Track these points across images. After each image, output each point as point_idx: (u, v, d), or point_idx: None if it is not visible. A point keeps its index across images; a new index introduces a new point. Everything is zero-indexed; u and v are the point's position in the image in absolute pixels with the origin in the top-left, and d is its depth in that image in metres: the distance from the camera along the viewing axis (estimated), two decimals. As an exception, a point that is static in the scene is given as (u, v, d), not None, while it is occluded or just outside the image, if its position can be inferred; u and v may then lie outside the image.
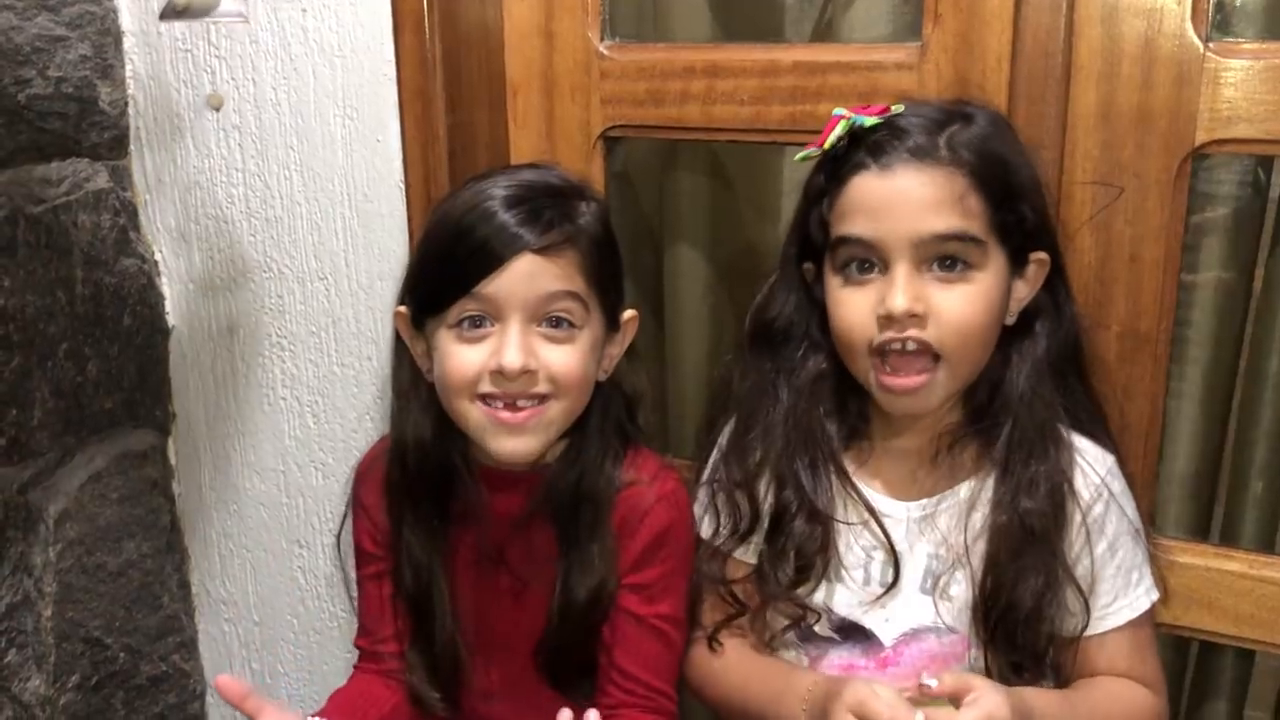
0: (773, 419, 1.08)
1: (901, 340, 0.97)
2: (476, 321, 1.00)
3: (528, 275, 0.98)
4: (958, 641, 1.04)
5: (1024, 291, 1.02)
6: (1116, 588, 1.04)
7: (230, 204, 1.42)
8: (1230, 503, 1.25)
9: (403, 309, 1.07)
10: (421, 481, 1.09)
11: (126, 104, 1.43)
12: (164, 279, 1.49)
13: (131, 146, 1.45)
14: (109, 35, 1.39)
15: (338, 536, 1.23)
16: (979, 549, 1.02)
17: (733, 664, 1.11)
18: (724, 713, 1.12)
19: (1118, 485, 1.05)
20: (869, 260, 0.98)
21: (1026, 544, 1.00)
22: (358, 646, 1.19)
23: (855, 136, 0.99)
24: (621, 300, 1.09)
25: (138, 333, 1.46)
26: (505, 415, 1.01)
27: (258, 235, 1.42)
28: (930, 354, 0.98)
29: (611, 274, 1.06)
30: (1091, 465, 1.03)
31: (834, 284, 1.02)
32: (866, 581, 1.06)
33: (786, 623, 1.08)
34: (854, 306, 0.99)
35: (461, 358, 1.01)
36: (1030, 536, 1.00)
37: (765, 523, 1.09)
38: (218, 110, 1.37)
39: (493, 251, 0.98)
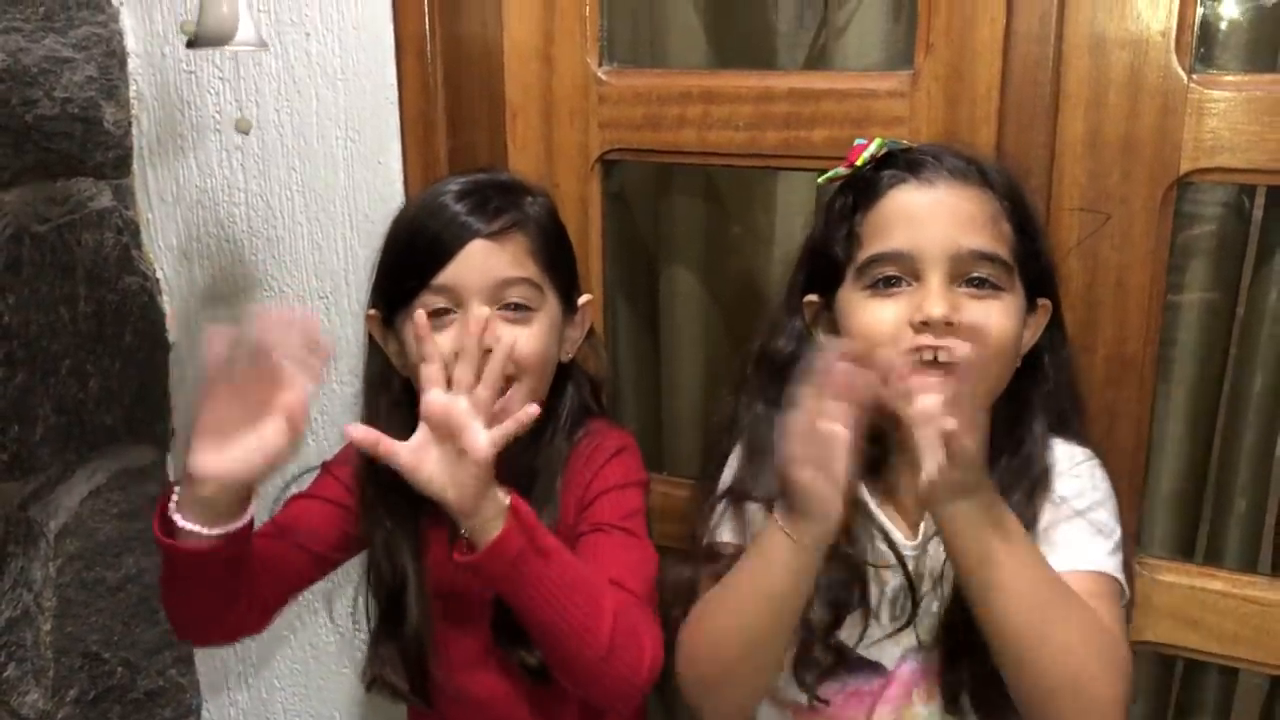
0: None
1: (935, 350, 0.94)
2: (440, 312, 1.04)
3: (481, 260, 1.04)
4: (934, 656, 1.04)
5: (1028, 336, 1.03)
6: (1071, 537, 0.98)
7: (232, 223, 1.44)
8: (1214, 522, 1.27)
9: (373, 312, 1.12)
10: (392, 474, 1.04)
11: (130, 124, 1.45)
12: (165, 296, 1.51)
13: (135, 166, 1.47)
14: (114, 57, 1.41)
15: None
16: (950, 571, 1.00)
17: (705, 596, 1.04)
18: (720, 657, 1.00)
19: (1084, 471, 1.03)
20: (898, 276, 0.98)
21: None
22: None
23: (884, 159, 1.02)
24: (576, 285, 1.14)
25: (139, 349, 1.48)
26: None
27: (259, 254, 1.43)
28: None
29: (563, 259, 1.11)
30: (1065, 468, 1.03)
31: (857, 298, 1.00)
32: (893, 616, 1.04)
33: (824, 668, 1.04)
34: (880, 314, 0.97)
35: None
36: None
37: None
38: (245, 134, 1.39)
39: (446, 240, 1.04)
